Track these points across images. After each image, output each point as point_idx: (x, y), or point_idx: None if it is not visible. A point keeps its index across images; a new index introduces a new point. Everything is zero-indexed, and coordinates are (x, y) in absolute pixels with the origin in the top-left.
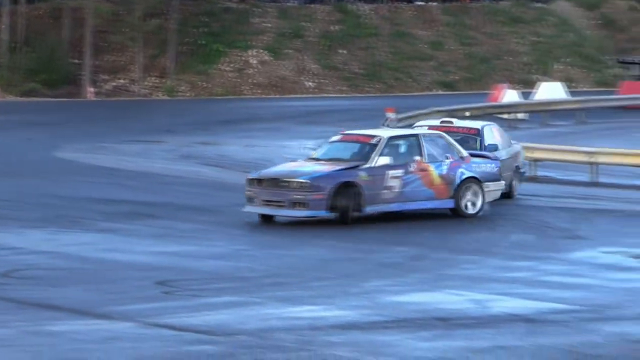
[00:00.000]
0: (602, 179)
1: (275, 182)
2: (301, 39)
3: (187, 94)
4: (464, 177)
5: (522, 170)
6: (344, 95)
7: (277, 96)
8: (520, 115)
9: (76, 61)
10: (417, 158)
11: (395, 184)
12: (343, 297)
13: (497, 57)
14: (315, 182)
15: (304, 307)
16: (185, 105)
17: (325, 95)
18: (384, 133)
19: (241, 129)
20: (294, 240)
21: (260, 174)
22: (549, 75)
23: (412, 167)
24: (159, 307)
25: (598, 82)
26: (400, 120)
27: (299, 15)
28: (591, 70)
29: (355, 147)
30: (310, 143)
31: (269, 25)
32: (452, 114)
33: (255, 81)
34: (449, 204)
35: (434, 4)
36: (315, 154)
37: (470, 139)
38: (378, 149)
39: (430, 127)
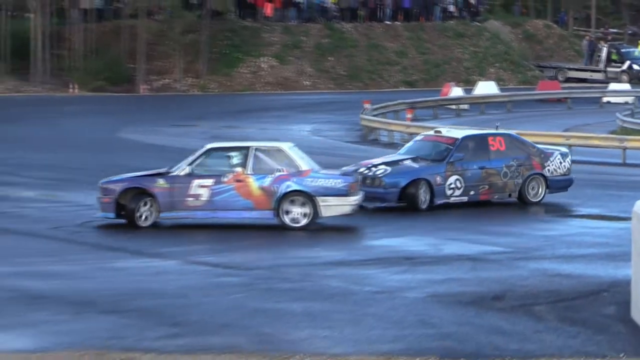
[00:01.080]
0: None
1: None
2: (300, 49)
3: (216, 90)
4: (289, 189)
5: (555, 178)
6: (332, 91)
7: (283, 92)
8: (463, 106)
9: (132, 65)
10: (238, 169)
11: (203, 192)
12: (333, 242)
13: (446, 62)
14: (106, 185)
15: (304, 249)
16: (214, 99)
17: (318, 91)
18: (214, 145)
19: (256, 116)
20: None
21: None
22: (484, 76)
23: (226, 178)
24: (196, 249)
25: (521, 81)
26: (376, 109)
27: (298, 32)
28: (516, 72)
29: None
30: (307, 127)
31: (276, 39)
32: (413, 105)
33: (266, 80)
34: (269, 215)
35: (399, 23)
36: None
37: (445, 148)
38: (189, 159)
39: (425, 137)
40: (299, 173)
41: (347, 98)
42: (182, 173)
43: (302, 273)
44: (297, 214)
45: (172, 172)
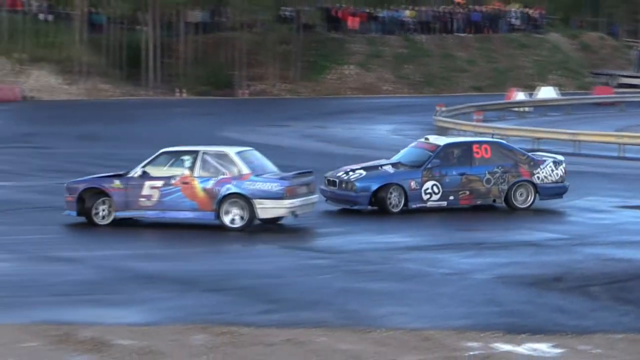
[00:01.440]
0: (583, 151)
1: None
2: (381, 58)
3: (306, 95)
4: (229, 192)
5: (546, 185)
6: (409, 95)
7: (366, 96)
8: (526, 109)
9: (232, 72)
10: (185, 172)
11: (153, 193)
12: (408, 229)
13: (511, 70)
14: (70, 185)
15: (384, 235)
16: (305, 102)
17: (397, 95)
18: (167, 149)
19: (343, 117)
20: None
21: None
22: (545, 82)
23: (174, 180)
24: (289, 236)
25: (578, 87)
26: (449, 111)
27: (379, 43)
28: (574, 79)
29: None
30: (387, 127)
31: (359, 49)
32: (481, 108)
33: (350, 86)
34: (210, 216)
35: (469, 35)
36: None
37: (426, 155)
38: (144, 162)
39: (417, 144)
40: (239, 176)
41: (423, 101)
42: (136, 175)
43: (382, 257)
44: (236, 215)
45: (128, 174)
